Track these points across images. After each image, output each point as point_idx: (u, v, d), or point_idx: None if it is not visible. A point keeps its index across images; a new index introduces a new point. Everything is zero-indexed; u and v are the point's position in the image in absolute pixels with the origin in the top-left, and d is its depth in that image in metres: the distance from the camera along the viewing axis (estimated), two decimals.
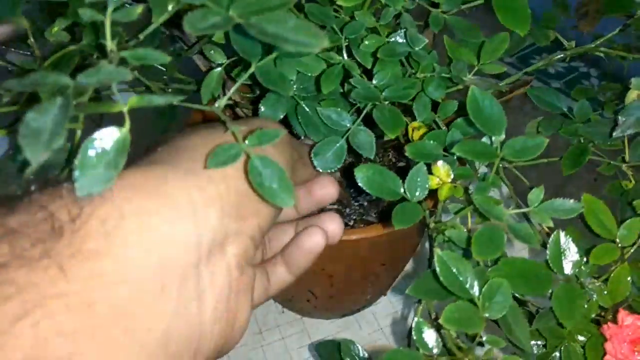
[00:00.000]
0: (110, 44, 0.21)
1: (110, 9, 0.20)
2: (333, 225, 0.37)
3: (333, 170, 0.38)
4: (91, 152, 0.20)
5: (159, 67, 0.49)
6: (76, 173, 0.20)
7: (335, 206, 0.52)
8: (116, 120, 0.22)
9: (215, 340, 0.26)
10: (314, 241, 0.35)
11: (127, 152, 0.21)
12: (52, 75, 0.18)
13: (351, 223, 0.51)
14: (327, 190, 0.37)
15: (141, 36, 0.28)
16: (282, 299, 0.64)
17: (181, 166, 0.26)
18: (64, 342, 0.20)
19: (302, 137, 0.41)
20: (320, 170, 0.38)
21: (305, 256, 0.36)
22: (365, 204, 0.52)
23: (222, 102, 0.30)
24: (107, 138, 0.20)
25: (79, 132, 0.25)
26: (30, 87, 0.19)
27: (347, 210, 0.52)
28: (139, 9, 0.21)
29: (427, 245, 0.71)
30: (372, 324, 0.64)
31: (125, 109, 0.21)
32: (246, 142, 0.26)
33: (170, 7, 0.25)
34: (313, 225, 0.36)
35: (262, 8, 0.21)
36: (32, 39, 0.36)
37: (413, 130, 0.42)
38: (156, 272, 0.23)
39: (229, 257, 0.26)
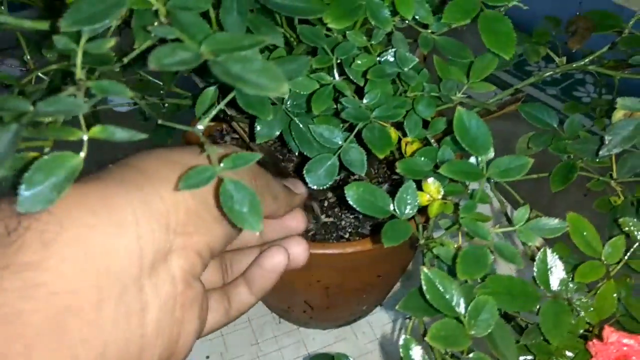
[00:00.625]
0: (79, 74, 0.21)
1: (83, 40, 0.21)
2: (298, 249, 0.37)
3: (324, 187, 0.39)
4: (40, 173, 0.21)
5: (157, 82, 0.50)
6: (22, 188, 0.20)
7: (331, 219, 0.52)
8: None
9: (158, 354, 0.26)
10: (275, 261, 0.35)
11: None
12: (12, 100, 0.19)
13: (346, 236, 0.51)
14: (297, 222, 0.38)
15: (125, 60, 0.28)
16: (279, 309, 0.64)
17: (128, 182, 0.26)
18: None
19: (297, 153, 0.42)
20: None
21: (267, 276, 0.36)
22: (360, 216, 0.52)
23: (204, 122, 0.30)
24: (60, 162, 0.21)
25: (46, 150, 0.25)
26: None
27: (343, 222, 0.52)
28: (112, 42, 0.22)
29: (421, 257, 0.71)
30: (369, 334, 0.64)
31: (85, 137, 0.21)
32: (221, 164, 0.27)
33: (152, 36, 0.26)
34: (276, 245, 0.36)
35: (234, 47, 0.22)
36: (28, 56, 0.37)
37: (406, 145, 0.43)
38: (93, 283, 0.23)
39: (173, 270, 0.26)
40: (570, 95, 1.14)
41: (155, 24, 0.25)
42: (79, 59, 0.21)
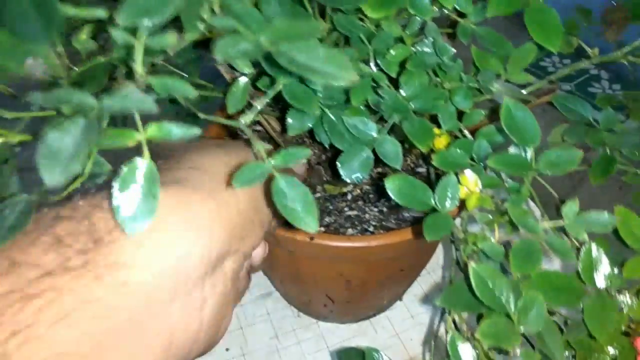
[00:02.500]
0: (139, 69, 0.20)
1: (143, 35, 0.20)
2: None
3: (358, 181, 0.38)
4: (122, 192, 0.21)
5: (180, 72, 0.49)
6: (118, 215, 0.21)
7: (355, 212, 0.52)
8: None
9: (204, 344, 0.28)
10: None
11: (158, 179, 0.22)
12: (77, 93, 0.18)
13: (370, 229, 0.50)
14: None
15: (171, 52, 0.28)
16: (299, 303, 0.64)
17: (203, 188, 0.28)
18: (89, 342, 0.22)
19: (327, 146, 0.41)
20: None
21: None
22: (385, 209, 0.52)
23: (247, 118, 0.30)
24: (133, 173, 0.21)
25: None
26: (54, 104, 0.18)
27: (367, 215, 0.52)
28: (173, 37, 0.21)
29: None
30: (388, 329, 0.64)
31: (143, 139, 0.21)
32: (272, 161, 0.26)
33: (202, 28, 0.25)
34: None
35: (291, 34, 0.21)
36: (61, 48, 0.36)
37: (435, 137, 0.42)
38: (170, 282, 0.25)
39: (226, 270, 0.29)
40: (585, 91, 1.13)
41: (205, 16, 0.25)
42: (139, 55, 0.20)
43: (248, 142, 0.34)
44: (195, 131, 0.23)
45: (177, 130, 0.22)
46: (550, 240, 0.27)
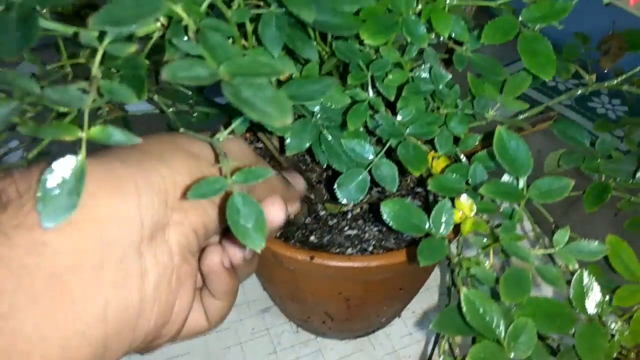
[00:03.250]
0: (95, 71, 0.22)
1: (106, 41, 0.21)
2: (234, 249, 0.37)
3: (355, 202, 0.39)
4: (51, 184, 0.22)
5: (185, 91, 0.51)
6: (39, 206, 0.21)
7: (355, 231, 0.52)
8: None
9: (154, 320, 0.27)
10: (208, 262, 0.34)
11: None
12: (22, 79, 0.19)
13: (370, 248, 0.51)
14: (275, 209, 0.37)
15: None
16: (298, 319, 0.64)
17: (131, 159, 0.28)
18: (4, 299, 0.22)
19: (324, 166, 0.42)
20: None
21: (211, 275, 0.35)
22: (384, 229, 0.52)
23: (222, 135, 0.30)
24: (64, 168, 0.22)
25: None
26: (3, 85, 0.20)
27: (366, 235, 0.52)
28: (133, 47, 0.22)
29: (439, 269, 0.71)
30: (386, 345, 0.64)
31: (83, 136, 0.22)
32: (233, 177, 0.27)
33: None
34: (212, 244, 0.35)
35: (252, 72, 0.22)
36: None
37: (433, 159, 0.43)
38: (96, 247, 0.24)
39: (170, 243, 0.28)
40: (585, 106, 1.14)
41: (185, 38, 0.26)
42: (98, 56, 0.22)
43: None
44: (136, 140, 0.24)
45: (118, 136, 0.23)
46: (540, 269, 0.28)
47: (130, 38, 0.25)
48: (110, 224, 0.25)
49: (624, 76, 0.40)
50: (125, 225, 0.25)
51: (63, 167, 0.22)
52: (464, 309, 0.28)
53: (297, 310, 0.61)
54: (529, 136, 0.43)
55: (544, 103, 0.43)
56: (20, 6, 0.21)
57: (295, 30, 0.36)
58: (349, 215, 0.53)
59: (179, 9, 0.24)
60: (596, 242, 0.29)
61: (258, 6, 0.36)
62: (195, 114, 0.46)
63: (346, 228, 0.52)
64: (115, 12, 0.21)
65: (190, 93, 0.49)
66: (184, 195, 0.28)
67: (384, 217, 0.33)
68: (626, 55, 0.46)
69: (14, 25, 0.21)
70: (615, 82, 0.41)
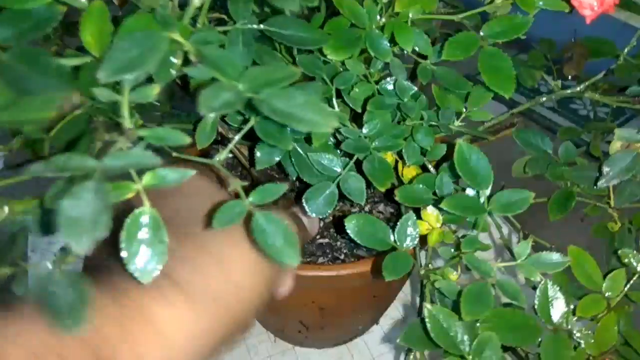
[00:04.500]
0: (127, 123, 0.21)
1: (127, 90, 0.21)
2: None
3: (324, 216, 0.39)
4: (133, 242, 0.21)
5: (154, 102, 0.50)
6: (131, 267, 0.21)
7: (327, 240, 0.52)
8: None
9: None
10: None
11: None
12: (75, 158, 0.18)
13: (342, 257, 0.51)
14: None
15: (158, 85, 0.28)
16: (274, 328, 0.64)
17: (206, 294, 0.27)
18: None
19: (294, 179, 0.42)
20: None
21: None
22: None
23: (221, 156, 0.30)
24: (138, 221, 0.21)
25: None
26: (56, 172, 0.19)
27: (338, 243, 0.52)
28: (156, 88, 0.21)
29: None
30: (365, 353, 0.64)
31: (140, 188, 0.21)
32: (250, 199, 0.26)
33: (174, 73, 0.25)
34: None
35: (268, 81, 0.22)
36: None
37: (403, 168, 0.43)
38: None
39: None
40: (567, 108, 1.15)
41: (174, 60, 0.25)
42: (125, 110, 0.21)
43: None
44: (189, 173, 0.23)
45: (172, 176, 0.22)
46: (501, 283, 0.28)
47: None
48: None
49: (587, 83, 0.41)
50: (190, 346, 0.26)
51: (135, 223, 0.22)
52: (428, 325, 0.28)
53: (272, 320, 0.61)
54: (495, 142, 0.44)
55: (524, 104, 0.44)
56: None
57: (260, 44, 0.36)
58: (321, 224, 0.53)
59: (177, 36, 0.24)
60: (558, 254, 0.29)
61: (221, 19, 0.36)
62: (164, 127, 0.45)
63: (318, 237, 0.52)
64: (120, 57, 0.20)
65: (158, 104, 0.48)
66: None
67: (349, 232, 0.33)
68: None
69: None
70: (578, 89, 0.41)
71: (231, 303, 0.28)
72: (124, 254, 0.21)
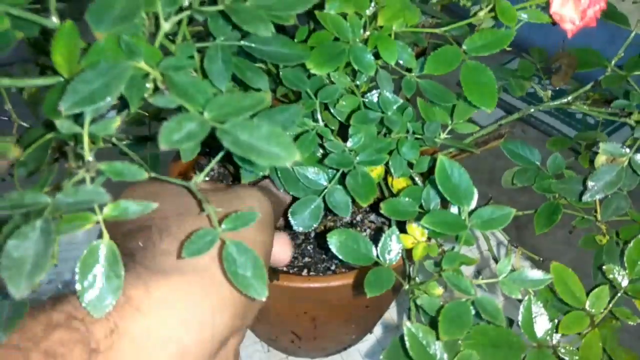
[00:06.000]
0: (87, 155, 0.21)
1: (87, 122, 0.20)
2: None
3: (309, 230, 0.38)
4: (87, 275, 0.21)
5: (143, 112, 0.50)
6: (85, 299, 0.21)
7: (319, 250, 0.52)
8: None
9: None
10: None
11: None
12: (29, 194, 0.18)
13: (333, 267, 0.51)
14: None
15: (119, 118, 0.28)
16: (267, 338, 0.64)
17: (204, 272, 0.28)
18: None
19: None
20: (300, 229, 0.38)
21: None
22: None
23: (199, 178, 0.30)
24: (94, 256, 0.21)
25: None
26: (9, 210, 0.19)
27: (330, 254, 0.52)
28: (117, 121, 0.21)
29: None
30: None
31: (100, 219, 0.21)
32: (222, 226, 0.26)
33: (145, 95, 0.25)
34: None
35: (236, 109, 0.21)
36: (9, 105, 0.36)
37: (393, 179, 0.43)
38: None
39: (229, 347, 0.30)
40: (564, 112, 1.15)
41: (148, 85, 0.25)
42: (86, 143, 0.21)
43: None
44: (151, 206, 0.23)
45: (134, 208, 0.22)
46: (480, 301, 0.28)
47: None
48: (186, 355, 0.26)
49: (575, 94, 0.40)
50: (199, 352, 0.26)
51: (92, 255, 0.22)
52: (407, 343, 0.28)
53: (264, 330, 0.61)
54: (484, 153, 0.43)
55: (514, 114, 0.43)
56: None
57: (243, 59, 0.35)
58: (312, 234, 0.53)
59: (142, 65, 0.23)
60: (540, 271, 0.29)
61: (200, 35, 0.35)
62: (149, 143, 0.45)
63: (309, 247, 0.52)
64: (82, 89, 0.20)
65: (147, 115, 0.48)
66: None
67: (332, 248, 0.33)
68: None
69: None
70: (566, 100, 0.41)
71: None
72: (77, 286, 0.21)
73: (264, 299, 0.25)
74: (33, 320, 0.23)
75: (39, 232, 0.18)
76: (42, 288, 0.63)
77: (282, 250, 0.38)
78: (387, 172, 0.42)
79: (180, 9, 0.25)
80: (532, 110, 0.41)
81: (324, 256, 0.51)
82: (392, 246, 0.33)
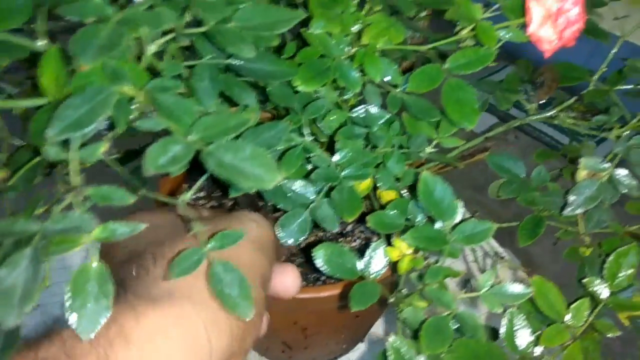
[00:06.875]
0: (75, 181, 0.21)
1: (74, 148, 0.21)
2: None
3: (296, 243, 0.39)
4: (78, 295, 0.21)
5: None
6: (74, 321, 0.21)
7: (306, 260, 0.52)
8: None
9: None
10: None
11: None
12: (18, 223, 0.19)
13: (322, 278, 0.51)
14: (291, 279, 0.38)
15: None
16: (259, 348, 0.64)
17: (196, 295, 0.27)
18: None
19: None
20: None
21: None
22: None
23: (186, 196, 0.30)
24: (84, 276, 0.21)
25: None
26: (1, 237, 0.19)
27: None
28: (103, 146, 0.21)
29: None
30: None
31: (90, 242, 0.21)
32: (208, 245, 0.27)
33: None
34: None
35: (221, 130, 0.22)
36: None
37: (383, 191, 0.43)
38: None
39: None
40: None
41: (134, 106, 0.25)
42: (74, 168, 0.21)
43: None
44: (139, 227, 0.23)
45: (122, 229, 0.22)
46: (461, 316, 0.28)
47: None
48: None
49: (559, 108, 0.41)
50: None
51: (82, 276, 0.22)
52: (390, 357, 0.28)
53: (255, 341, 0.61)
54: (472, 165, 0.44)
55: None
56: None
57: (230, 76, 0.36)
58: (302, 245, 0.54)
59: (127, 89, 0.24)
60: (520, 285, 0.30)
61: (190, 47, 0.36)
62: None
63: (299, 258, 0.52)
64: (68, 115, 0.20)
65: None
66: None
67: (317, 262, 0.33)
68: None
69: None
70: (550, 113, 0.41)
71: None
72: (66, 304, 0.21)
73: (248, 319, 0.25)
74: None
75: (28, 261, 0.18)
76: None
77: (289, 281, 0.38)
78: (376, 184, 0.43)
79: (165, 32, 0.25)
80: (518, 123, 0.42)
81: (314, 267, 0.51)
82: (377, 260, 0.33)
